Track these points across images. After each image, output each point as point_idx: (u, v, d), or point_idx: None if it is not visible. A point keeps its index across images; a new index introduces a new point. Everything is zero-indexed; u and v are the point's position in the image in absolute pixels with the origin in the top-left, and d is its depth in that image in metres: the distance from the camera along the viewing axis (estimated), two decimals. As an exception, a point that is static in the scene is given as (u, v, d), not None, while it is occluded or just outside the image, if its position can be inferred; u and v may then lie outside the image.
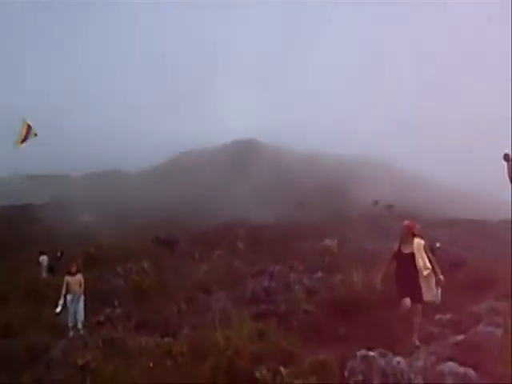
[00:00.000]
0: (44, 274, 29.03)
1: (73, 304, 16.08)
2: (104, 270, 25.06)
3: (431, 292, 9.83)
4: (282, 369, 7.49)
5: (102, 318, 15.81)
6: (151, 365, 8.49)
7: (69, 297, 16.11)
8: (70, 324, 15.77)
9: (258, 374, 7.63)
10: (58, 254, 34.31)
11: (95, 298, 18.80)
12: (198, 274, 21.97)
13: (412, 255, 9.87)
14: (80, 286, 16.45)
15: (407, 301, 9.58)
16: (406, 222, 10.35)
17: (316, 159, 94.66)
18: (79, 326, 15.79)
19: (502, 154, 9.50)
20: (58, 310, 15.87)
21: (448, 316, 11.25)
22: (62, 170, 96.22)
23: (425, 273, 9.76)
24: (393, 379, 7.45)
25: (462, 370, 7.45)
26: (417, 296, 9.69)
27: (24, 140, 17.58)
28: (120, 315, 16.03)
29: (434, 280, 9.86)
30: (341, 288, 14.79)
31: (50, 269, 30.27)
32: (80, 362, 8.58)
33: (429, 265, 9.84)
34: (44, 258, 30.32)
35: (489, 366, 7.30)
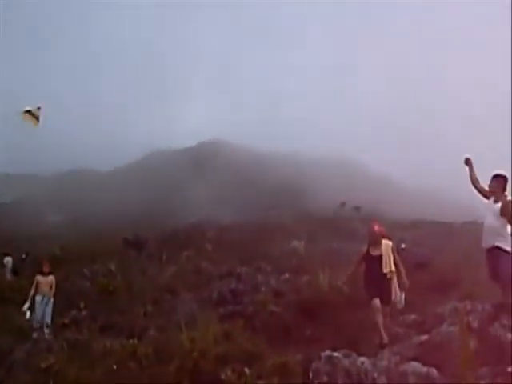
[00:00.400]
0: (8, 276, 28.55)
1: (41, 305, 15.66)
2: (70, 271, 24.79)
3: (401, 297, 10.12)
4: (246, 370, 7.51)
5: (67, 321, 15.61)
6: (115, 367, 8.43)
7: (38, 297, 15.71)
8: (36, 325, 15.30)
9: (223, 376, 7.63)
10: (23, 256, 33.86)
11: (61, 300, 18.59)
12: (166, 275, 21.89)
13: (380, 257, 9.92)
14: (51, 287, 16.02)
15: (377, 301, 9.59)
16: (375, 225, 10.38)
17: (283, 160, 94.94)
18: (45, 328, 15.23)
19: (463, 158, 9.57)
20: (25, 308, 15.52)
21: (412, 317, 11.37)
22: (30, 170, 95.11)
23: (388, 275, 9.89)
24: (357, 379, 7.51)
25: (424, 369, 7.54)
26: (386, 297, 9.81)
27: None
28: (85, 317, 15.89)
29: (396, 282, 10.00)
30: (307, 289, 14.84)
31: (14, 271, 29.80)
32: (43, 365, 8.48)
33: (393, 267, 9.92)
34: (8, 260, 29.83)
35: (451, 365, 7.41)
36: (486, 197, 9.14)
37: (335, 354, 7.93)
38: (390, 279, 9.90)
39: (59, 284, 21.87)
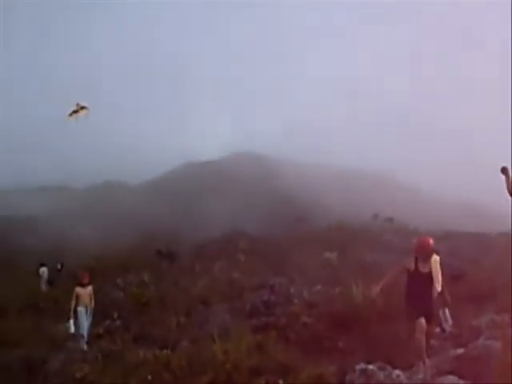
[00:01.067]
0: (43, 287, 28.94)
1: (83, 315, 15.49)
2: (104, 282, 25.04)
3: (446, 316, 9.62)
4: (280, 382, 7.47)
5: (101, 331, 15.76)
6: (149, 377, 8.46)
7: (81, 309, 15.53)
8: (81, 333, 15.17)
9: (256, 387, 7.62)
10: (59, 267, 34.29)
11: (95, 311, 18.76)
12: (198, 286, 21.94)
13: (429, 274, 9.15)
14: (90, 298, 15.88)
15: (422, 321, 8.90)
16: (430, 239, 9.39)
17: (315, 172, 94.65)
18: (85, 340, 15.14)
19: (500, 167, 9.39)
20: (71, 323, 15.26)
21: (448, 329, 11.22)
22: (62, 182, 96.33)
23: (435, 293, 9.24)
24: (392, 392, 7.44)
25: (461, 382, 7.44)
26: (431, 316, 9.23)
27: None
28: (119, 327, 16.01)
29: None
30: (340, 301, 14.71)
31: (50, 281, 30.20)
32: (78, 375, 8.56)
33: (440, 286, 9.26)
34: (44, 270, 30.25)
35: (488, 379, 7.28)
36: None
37: (370, 366, 7.86)
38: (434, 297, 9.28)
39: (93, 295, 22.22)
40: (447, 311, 9.98)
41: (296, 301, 16.52)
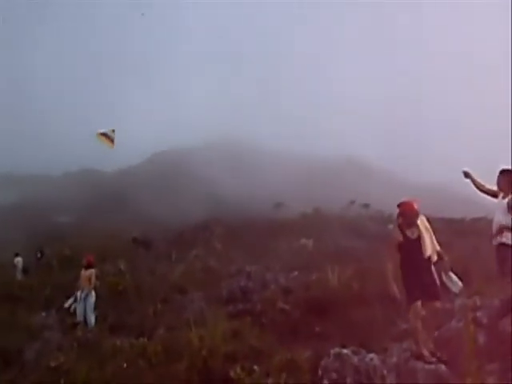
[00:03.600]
0: (19, 276, 28.71)
1: (81, 300, 15.76)
2: (80, 271, 24.88)
3: (451, 279, 8.17)
4: (255, 368, 7.52)
5: (77, 320, 15.66)
6: (125, 365, 8.47)
7: (78, 292, 15.93)
8: (78, 319, 15.44)
9: (232, 373, 7.66)
10: (38, 255, 34.12)
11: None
12: (175, 274, 21.93)
13: (419, 240, 8.07)
14: (90, 281, 15.96)
15: (419, 305, 7.96)
16: (407, 202, 8.44)
17: (293, 159, 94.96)
18: (90, 324, 15.28)
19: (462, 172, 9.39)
20: (69, 302, 15.89)
21: (422, 313, 11.34)
22: (40, 170, 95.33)
23: (435, 257, 8.15)
24: (366, 376, 7.52)
25: (433, 366, 7.55)
26: (432, 292, 8.03)
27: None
28: (96, 316, 15.93)
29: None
30: (316, 286, 14.82)
31: (25, 270, 29.98)
32: (53, 364, 8.54)
33: (438, 246, 8.31)
34: (19, 260, 29.99)
35: (460, 361, 7.40)
36: (495, 195, 9.06)
37: (344, 350, 7.93)
38: (438, 263, 8.13)
39: (69, 283, 22.10)
40: (451, 273, 8.31)
41: (272, 287, 16.60)
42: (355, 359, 7.73)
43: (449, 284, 8.16)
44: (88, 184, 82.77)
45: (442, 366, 7.49)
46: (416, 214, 8.20)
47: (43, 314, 16.87)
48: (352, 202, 51.45)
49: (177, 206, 66.26)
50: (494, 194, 9.06)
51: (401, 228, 8.14)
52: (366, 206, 49.87)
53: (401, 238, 8.05)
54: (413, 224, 8.10)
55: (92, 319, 15.51)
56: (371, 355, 7.94)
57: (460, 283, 8.24)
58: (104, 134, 16.98)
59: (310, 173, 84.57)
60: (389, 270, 8.09)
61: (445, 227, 33.67)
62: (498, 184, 8.88)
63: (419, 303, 7.89)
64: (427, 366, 7.59)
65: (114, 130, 17.20)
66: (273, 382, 7.17)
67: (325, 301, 13.19)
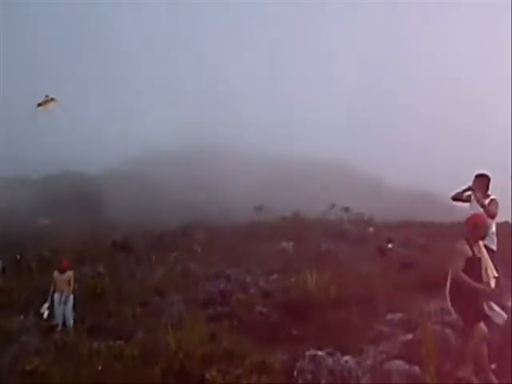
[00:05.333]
0: (-3, 279, 28.42)
1: (60, 304, 15.62)
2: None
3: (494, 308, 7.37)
4: (231, 370, 7.58)
5: (55, 323, 15.58)
6: (99, 368, 8.47)
7: (56, 296, 15.71)
8: (56, 322, 15.24)
9: (208, 376, 7.70)
10: (18, 257, 33.83)
11: (50, 303, 18.57)
12: (154, 277, 21.91)
13: (480, 260, 7.51)
14: (69, 284, 15.91)
15: (482, 327, 7.13)
16: (479, 215, 7.98)
17: (272, 161, 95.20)
18: (69, 326, 15.28)
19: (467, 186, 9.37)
20: (44, 308, 15.55)
21: (399, 315, 11.46)
22: (19, 172, 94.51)
23: (493, 283, 7.40)
24: (340, 378, 7.60)
25: (407, 367, 7.65)
26: (482, 314, 7.29)
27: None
28: (74, 320, 15.86)
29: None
30: (295, 289, 14.91)
31: (3, 273, 29.69)
32: (28, 367, 8.51)
33: (495, 272, 7.56)
34: (-2, 262, 29.70)
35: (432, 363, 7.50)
36: (468, 201, 9.20)
37: (319, 352, 8.01)
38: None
39: (48, 285, 21.95)
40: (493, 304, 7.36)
41: (252, 290, 16.68)
42: (330, 361, 7.81)
43: (490, 313, 7.32)
44: (68, 186, 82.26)
45: (416, 368, 7.60)
46: (487, 228, 7.87)
47: (21, 317, 16.69)
48: (332, 206, 51.67)
49: (157, 210, 66.10)
50: (467, 200, 9.21)
51: (469, 243, 7.54)
52: (346, 209, 50.13)
53: (470, 254, 7.46)
54: (481, 239, 7.64)
55: (71, 322, 15.50)
56: (346, 357, 8.03)
57: (504, 314, 7.40)
58: (42, 104, 16.55)
59: (289, 176, 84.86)
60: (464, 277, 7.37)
61: (424, 231, 34.05)
62: (474, 187, 8.99)
63: (482, 324, 7.13)
64: (401, 368, 7.69)
65: (52, 99, 16.75)
66: (245, 383, 7.23)
67: (303, 304, 13.30)
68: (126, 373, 8.45)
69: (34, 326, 15.55)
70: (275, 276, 19.28)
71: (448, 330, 8.98)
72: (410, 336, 9.30)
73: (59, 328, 14.98)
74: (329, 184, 77.63)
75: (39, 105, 16.06)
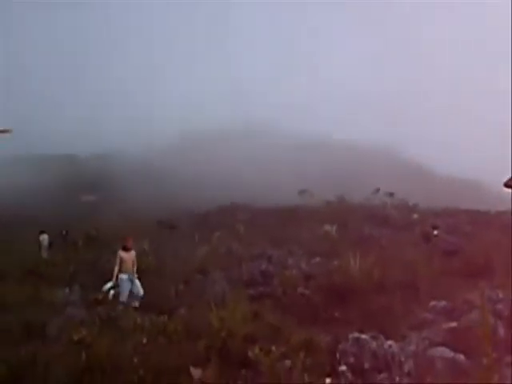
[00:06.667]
0: (45, 254, 29.13)
1: (127, 283, 14.88)
2: (104, 250, 25.19)
3: None
4: (273, 348, 7.59)
5: (100, 297, 15.82)
6: (144, 341, 8.60)
7: (123, 276, 14.89)
8: (120, 306, 14.09)
9: (250, 354, 7.74)
10: (64, 233, 34.66)
11: (94, 277, 18.93)
12: (197, 256, 22.09)
13: None
14: (133, 264, 15.22)
15: None
16: None
17: (319, 146, 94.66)
18: (136, 304, 14.45)
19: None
20: (108, 286, 15.00)
21: (442, 303, 11.33)
22: (67, 151, 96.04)
23: None
24: (383, 362, 7.54)
25: (451, 354, 7.56)
26: None
27: None
28: (118, 294, 16.08)
29: None
30: (337, 273, 14.83)
31: (50, 247, 30.43)
32: (75, 337, 8.70)
33: None
34: (44, 238, 30.40)
35: (479, 352, 7.38)
36: None
37: (363, 336, 7.97)
38: None
39: (94, 261, 22.40)
40: None
41: (294, 272, 16.66)
42: (373, 344, 7.76)
43: None
44: (113, 165, 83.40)
45: (461, 356, 7.50)
46: None
47: (67, 290, 17.09)
48: (376, 191, 51.14)
49: (200, 190, 66.46)
50: None
51: None
52: (391, 194, 49.55)
53: None
54: None
55: (137, 304, 14.65)
56: (390, 342, 7.97)
57: None
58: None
59: (335, 160, 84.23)
60: None
61: (470, 218, 33.44)
62: None
63: None
64: (445, 355, 7.61)
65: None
66: (290, 362, 7.23)
67: (345, 287, 13.24)
68: (170, 347, 8.57)
69: (79, 299, 15.93)
70: (317, 259, 19.22)
71: (495, 319, 8.83)
72: (454, 324, 9.18)
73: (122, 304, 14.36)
74: (373, 169, 76.80)
75: None
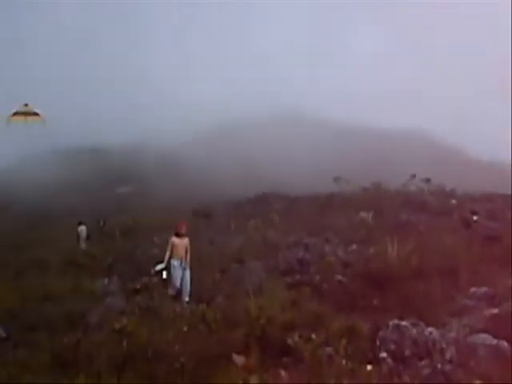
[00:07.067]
0: (83, 244, 29.57)
1: (179, 269, 14.44)
2: (141, 239, 25.46)
3: None
4: (313, 336, 7.59)
5: (138, 286, 15.98)
6: (185, 329, 8.68)
7: (175, 262, 14.45)
8: (172, 292, 14.16)
9: (290, 341, 7.75)
10: (101, 223, 35.19)
11: (133, 267, 19.17)
12: (233, 244, 22.15)
13: None
14: (186, 251, 14.73)
15: None
16: None
17: (352, 132, 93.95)
18: (186, 298, 13.99)
19: None
20: (158, 268, 14.54)
21: (483, 289, 11.18)
22: (99, 144, 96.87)
23: None
24: (424, 349, 7.48)
25: (495, 341, 7.46)
26: None
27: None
28: (156, 284, 16.19)
29: None
30: (375, 260, 14.72)
31: (88, 238, 30.90)
32: (117, 326, 8.84)
33: None
34: (83, 229, 30.85)
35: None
36: None
37: (403, 322, 7.91)
38: None
39: (132, 251, 22.66)
40: None
41: (331, 259, 16.57)
42: (414, 331, 7.70)
43: None
44: (148, 156, 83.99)
45: (504, 343, 7.40)
46: None
47: (105, 280, 17.33)
48: (413, 177, 50.50)
49: (235, 179, 66.54)
50: None
51: None
52: (427, 180, 48.87)
53: None
54: None
55: (188, 290, 14.30)
56: (430, 329, 7.89)
57: None
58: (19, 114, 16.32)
59: (369, 146, 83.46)
60: None
61: (508, 205, 32.81)
62: None
63: None
64: (488, 342, 7.51)
65: (26, 104, 16.49)
66: (332, 349, 7.22)
67: (383, 274, 13.13)
68: (210, 335, 8.63)
69: (117, 288, 16.16)
70: (354, 246, 19.09)
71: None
72: (495, 310, 9.06)
73: (172, 293, 14.10)
74: (409, 155, 75.86)
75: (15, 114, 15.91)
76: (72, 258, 23.11)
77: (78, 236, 30.56)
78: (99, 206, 52.30)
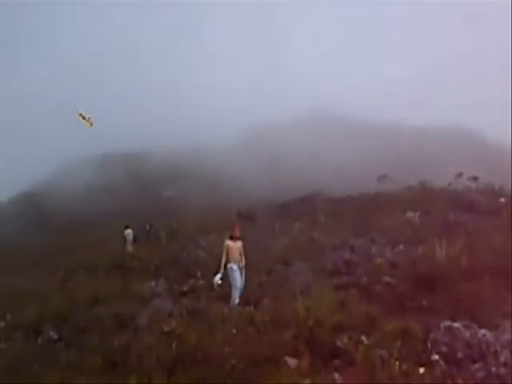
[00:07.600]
0: (130, 248, 29.95)
1: (237, 273, 14.07)
2: (187, 242, 25.65)
3: None
4: (363, 338, 7.51)
5: (185, 289, 16.10)
6: (234, 331, 8.70)
7: (233, 265, 14.05)
8: (235, 299, 13.55)
9: (339, 343, 7.68)
10: (147, 227, 35.64)
11: (179, 269, 19.33)
12: (278, 246, 22.11)
13: None
14: (240, 254, 14.43)
15: None
16: None
17: (399, 131, 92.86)
18: (236, 300, 13.55)
19: None
20: (218, 278, 14.01)
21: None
22: (148, 148, 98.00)
23: None
24: (478, 352, 7.30)
25: (551, 345, 7.25)
26: None
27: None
28: (203, 286, 16.27)
29: None
30: (423, 261, 14.48)
31: (135, 241, 31.32)
32: (166, 329, 8.92)
33: None
34: (129, 232, 31.31)
35: None
36: None
37: (455, 324, 7.75)
38: None
39: (177, 254, 22.85)
40: None
41: (378, 260, 16.39)
42: (467, 334, 7.53)
43: None
44: (192, 159, 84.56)
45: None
46: None
47: (153, 283, 17.52)
48: (459, 175, 49.61)
49: (279, 180, 66.51)
50: None
51: None
52: (475, 178, 47.92)
53: None
54: None
55: (237, 298, 13.72)
56: (483, 331, 7.71)
57: None
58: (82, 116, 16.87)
59: (414, 145, 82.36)
60: None
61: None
62: None
63: None
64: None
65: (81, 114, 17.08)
66: (385, 351, 7.11)
67: (432, 275, 12.89)
68: (259, 337, 8.62)
69: (165, 291, 16.32)
70: (401, 247, 18.83)
71: None
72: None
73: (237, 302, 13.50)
74: (455, 153, 74.60)
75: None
76: (119, 261, 23.49)
77: (124, 239, 31.03)
78: (145, 209, 53.05)
